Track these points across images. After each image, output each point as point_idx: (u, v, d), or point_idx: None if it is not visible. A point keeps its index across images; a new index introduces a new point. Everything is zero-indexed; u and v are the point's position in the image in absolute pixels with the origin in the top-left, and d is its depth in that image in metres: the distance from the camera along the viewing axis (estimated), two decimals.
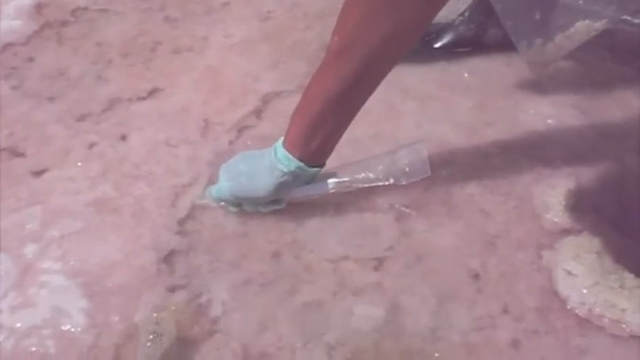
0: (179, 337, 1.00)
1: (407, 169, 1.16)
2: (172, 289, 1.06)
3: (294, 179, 1.08)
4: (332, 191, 1.15)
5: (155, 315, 1.03)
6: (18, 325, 1.02)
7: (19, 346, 0.99)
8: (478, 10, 1.50)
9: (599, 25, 1.29)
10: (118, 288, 1.06)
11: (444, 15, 1.53)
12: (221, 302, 1.06)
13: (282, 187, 1.09)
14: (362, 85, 0.98)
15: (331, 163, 1.12)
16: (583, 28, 1.30)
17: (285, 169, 1.06)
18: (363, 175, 1.16)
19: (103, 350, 0.99)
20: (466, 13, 1.52)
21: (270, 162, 1.07)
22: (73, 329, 1.01)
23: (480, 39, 1.52)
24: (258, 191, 1.10)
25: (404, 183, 1.17)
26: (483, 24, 1.51)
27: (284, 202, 1.16)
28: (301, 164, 1.05)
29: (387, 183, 1.17)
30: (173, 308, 1.04)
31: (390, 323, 1.04)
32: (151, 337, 1.00)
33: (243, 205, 1.16)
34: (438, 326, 1.04)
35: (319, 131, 1.03)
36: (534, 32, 1.34)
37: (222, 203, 1.17)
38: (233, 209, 1.16)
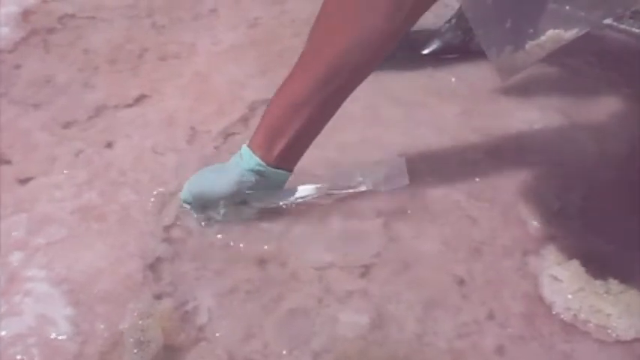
0: (165, 344, 1.00)
1: (385, 177, 1.18)
2: (158, 297, 1.06)
3: (256, 180, 1.09)
4: (304, 199, 1.16)
5: (141, 322, 1.02)
6: (3, 333, 1.01)
7: (4, 354, 0.99)
8: (464, 17, 1.50)
9: (569, 34, 1.29)
10: (103, 295, 1.06)
11: (431, 22, 1.54)
12: (207, 310, 1.05)
13: (243, 187, 1.10)
14: (324, 92, 1.01)
15: (317, 168, 1.12)
16: (554, 37, 1.31)
17: (246, 166, 1.08)
18: (341, 182, 1.18)
19: (89, 358, 0.99)
20: (453, 20, 1.52)
21: (233, 161, 1.10)
22: (58, 337, 1.01)
23: (466, 46, 1.53)
24: (218, 187, 1.11)
25: (382, 190, 1.19)
26: (470, 31, 1.51)
27: (252, 212, 1.16)
28: (262, 162, 1.07)
29: (364, 189, 1.18)
30: (159, 316, 1.03)
31: (376, 330, 1.04)
32: (137, 344, 0.99)
33: (207, 211, 1.15)
34: (423, 333, 1.04)
35: (282, 135, 1.05)
36: (505, 40, 1.34)
37: (187, 206, 1.16)
38: (196, 215, 1.16)
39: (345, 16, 0.96)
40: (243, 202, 1.14)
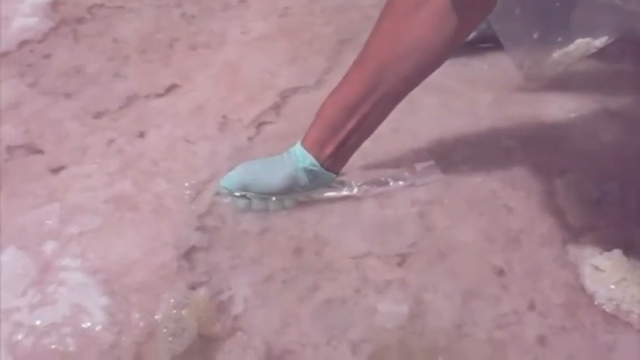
0: (200, 334, 0.99)
1: (420, 173, 1.21)
2: (193, 286, 1.05)
3: (307, 178, 1.10)
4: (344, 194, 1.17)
5: (176, 312, 1.02)
6: (38, 322, 1.01)
7: (39, 344, 0.98)
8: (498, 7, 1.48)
9: (598, 42, 1.30)
10: (138, 285, 1.05)
11: None
12: (242, 299, 1.04)
13: (293, 183, 1.11)
14: (374, 97, 1.03)
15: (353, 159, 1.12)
16: (583, 46, 1.31)
17: (300, 165, 1.08)
18: (379, 180, 1.19)
19: (124, 348, 0.98)
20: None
21: (286, 157, 1.10)
22: (93, 327, 1.00)
23: (495, 44, 1.50)
24: (269, 182, 1.11)
25: (419, 184, 1.20)
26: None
27: (292, 203, 1.16)
28: (315, 162, 1.08)
29: (400, 183, 1.19)
30: (194, 306, 1.03)
31: (414, 320, 1.03)
32: (172, 334, 0.99)
33: (252, 202, 1.15)
34: (462, 323, 1.03)
35: (334, 137, 1.07)
36: (533, 50, 1.34)
37: (237, 194, 1.15)
38: (241, 204, 1.15)
39: (395, 24, 0.98)
40: (286, 194, 1.14)
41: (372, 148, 1.20)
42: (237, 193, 1.14)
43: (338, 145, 1.07)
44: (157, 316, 1.01)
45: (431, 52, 0.99)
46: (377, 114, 1.06)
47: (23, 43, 1.49)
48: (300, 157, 1.08)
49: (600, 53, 1.44)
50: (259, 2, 1.63)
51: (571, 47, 1.34)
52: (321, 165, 1.09)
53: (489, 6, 0.98)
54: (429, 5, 0.94)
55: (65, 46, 1.49)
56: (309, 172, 1.09)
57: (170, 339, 0.98)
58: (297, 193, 1.14)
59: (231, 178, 1.13)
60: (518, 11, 1.31)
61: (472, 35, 1.49)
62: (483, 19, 1.02)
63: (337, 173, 1.13)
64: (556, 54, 1.35)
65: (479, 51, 1.49)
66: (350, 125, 1.05)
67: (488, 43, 1.49)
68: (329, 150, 1.07)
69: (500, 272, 1.09)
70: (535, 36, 1.33)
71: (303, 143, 1.09)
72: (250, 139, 1.28)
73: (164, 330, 1.00)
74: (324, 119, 1.06)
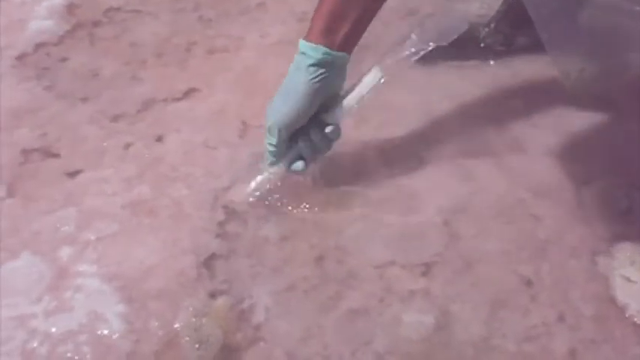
0: (222, 344, 0.97)
1: (443, 30, 1.09)
2: (213, 295, 1.03)
3: (326, 71, 1.04)
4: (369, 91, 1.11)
5: (195, 321, 0.99)
6: (53, 330, 0.98)
7: (55, 352, 0.96)
8: (504, 21, 1.46)
9: None
10: (156, 292, 1.03)
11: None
12: (264, 308, 1.02)
13: (317, 85, 1.04)
14: None
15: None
16: (629, 61, 1.29)
17: (314, 60, 1.02)
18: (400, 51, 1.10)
19: (142, 357, 0.96)
20: (492, 25, 1.47)
21: (296, 64, 1.06)
22: (110, 335, 0.98)
23: (508, 49, 1.48)
24: (294, 100, 1.06)
25: (445, 44, 1.09)
26: (510, 35, 1.47)
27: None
28: (327, 50, 1.02)
29: (429, 47, 1.09)
30: (214, 314, 1.00)
31: (441, 331, 1.00)
32: (193, 344, 0.97)
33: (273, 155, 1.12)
34: (490, 335, 1.00)
35: (345, 18, 1.02)
36: (580, 62, 1.32)
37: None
38: (299, 166, 1.12)
39: None
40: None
41: (396, 154, 1.18)
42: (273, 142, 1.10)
43: (349, 28, 1.03)
44: (176, 325, 0.99)
45: None
46: None
47: (39, 46, 1.47)
48: (311, 52, 1.03)
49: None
50: (277, 6, 1.61)
51: (617, 62, 1.32)
52: (333, 50, 1.03)
53: None
54: None
55: (81, 50, 1.47)
56: (322, 64, 1.03)
57: (197, 346, 0.96)
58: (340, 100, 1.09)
59: (268, 120, 1.09)
60: (568, 23, 1.30)
61: (488, 38, 1.48)
62: None
63: (350, 54, 1.07)
64: (604, 67, 1.33)
65: (501, 57, 1.47)
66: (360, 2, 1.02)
67: (503, 47, 1.47)
68: (342, 33, 1.03)
69: (529, 283, 1.07)
70: (584, 48, 1.31)
71: (307, 38, 1.04)
72: None
73: (186, 338, 0.97)
74: (329, 6, 1.02)
